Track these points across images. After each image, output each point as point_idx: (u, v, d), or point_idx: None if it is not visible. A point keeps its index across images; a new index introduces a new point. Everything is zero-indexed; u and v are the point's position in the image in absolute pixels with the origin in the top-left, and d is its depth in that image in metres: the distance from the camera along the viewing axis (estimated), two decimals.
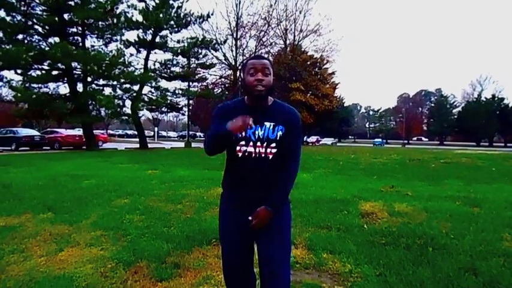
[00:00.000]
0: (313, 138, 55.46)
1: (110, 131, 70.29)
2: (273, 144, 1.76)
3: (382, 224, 4.39)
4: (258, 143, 1.76)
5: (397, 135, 75.65)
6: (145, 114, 49.26)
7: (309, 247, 3.60)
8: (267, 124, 1.77)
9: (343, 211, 4.91)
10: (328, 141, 56.92)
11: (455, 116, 69.42)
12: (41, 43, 21.10)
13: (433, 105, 78.87)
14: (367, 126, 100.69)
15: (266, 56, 40.02)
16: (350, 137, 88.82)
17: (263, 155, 1.76)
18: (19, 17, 19.73)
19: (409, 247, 3.57)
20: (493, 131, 63.42)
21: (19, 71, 20.22)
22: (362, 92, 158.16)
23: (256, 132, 1.76)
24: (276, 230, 1.81)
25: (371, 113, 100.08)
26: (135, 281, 2.93)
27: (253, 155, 1.76)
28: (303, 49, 43.11)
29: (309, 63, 43.48)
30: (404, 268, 3.08)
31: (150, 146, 27.15)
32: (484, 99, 65.58)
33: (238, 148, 1.77)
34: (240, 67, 31.00)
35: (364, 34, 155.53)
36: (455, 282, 2.80)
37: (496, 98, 63.75)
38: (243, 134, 1.74)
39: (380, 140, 62.94)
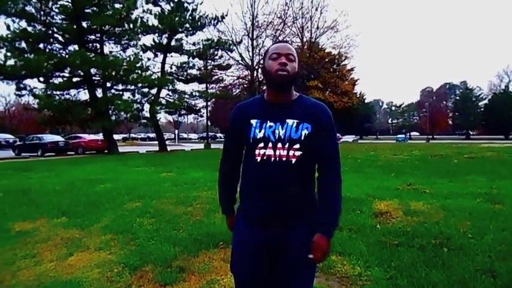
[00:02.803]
0: None
1: (132, 135, 71.82)
2: (297, 146, 1.46)
3: (397, 223, 4.22)
4: (279, 144, 1.47)
5: (421, 130, 73.66)
6: (164, 117, 50.19)
7: None
8: (289, 121, 1.49)
9: (355, 211, 4.77)
10: (349, 138, 56.07)
11: (482, 109, 67.15)
12: (61, 51, 21.73)
13: (458, 98, 76.49)
14: (389, 122, 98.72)
15: None
16: (373, 134, 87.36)
17: (284, 159, 1.46)
18: (39, 27, 20.34)
19: (424, 248, 3.40)
20: None
21: (41, 79, 20.89)
22: (384, 87, 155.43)
23: (277, 132, 1.48)
24: (302, 260, 1.50)
25: (393, 108, 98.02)
26: (140, 286, 2.92)
27: (273, 158, 1.47)
28: (320, 46, 42.69)
29: (326, 60, 43.08)
30: (417, 270, 2.93)
31: (170, 148, 27.47)
32: None
33: (257, 152, 1.49)
34: (257, 67, 31.07)
35: (384, 28, 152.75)
36: (470, 285, 2.64)
37: None
38: (262, 133, 1.49)
39: (403, 135, 61.46)
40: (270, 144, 1.48)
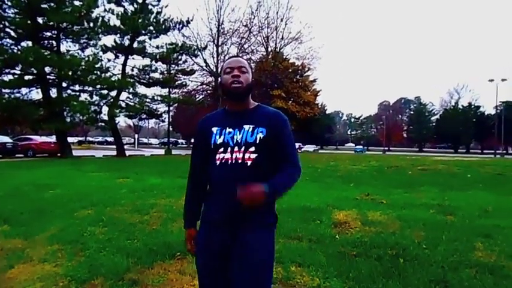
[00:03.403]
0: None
1: (89, 138, 68.93)
2: (252, 149, 1.54)
3: (355, 234, 4.27)
4: (236, 148, 1.55)
5: (378, 142, 76.74)
6: (124, 120, 48.62)
7: (278, 260, 3.42)
8: (246, 127, 1.59)
9: (315, 220, 4.78)
10: (310, 148, 57.14)
11: (434, 124, 71.20)
12: (12, 47, 20.32)
13: (412, 112, 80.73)
14: (349, 133, 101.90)
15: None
16: (333, 144, 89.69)
17: (240, 161, 1.53)
18: None
19: (381, 258, 3.45)
20: (470, 138, 65.27)
21: None
22: (344, 99, 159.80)
23: (235, 137, 1.58)
24: (254, 265, 1.52)
25: (352, 120, 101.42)
26: None
27: (230, 161, 1.54)
28: (284, 56, 43.45)
29: (290, 70, 43.92)
30: (375, 281, 2.95)
31: (129, 153, 26.57)
32: (461, 107, 67.62)
33: (217, 156, 1.58)
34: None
35: (346, 42, 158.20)
36: None
37: (473, 106, 65.90)
38: (221, 139, 1.59)
39: (361, 147, 63.66)
40: (229, 149, 1.57)
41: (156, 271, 3.21)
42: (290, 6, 42.80)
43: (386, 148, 64.13)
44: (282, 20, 41.02)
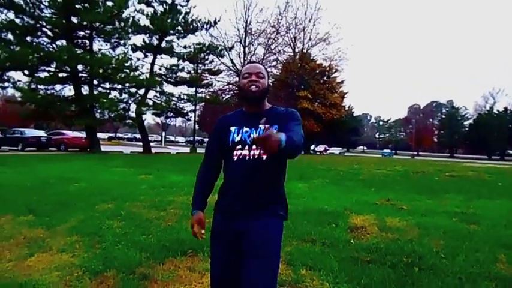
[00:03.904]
0: (321, 147, 54.95)
1: (119, 134, 70.85)
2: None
3: (371, 239, 4.16)
4: (253, 146, 1.71)
5: (407, 146, 74.63)
6: (153, 118, 49.67)
7: (289, 262, 3.39)
8: (262, 126, 1.74)
9: (331, 224, 4.69)
10: (336, 150, 56.39)
11: (467, 128, 68.50)
12: (48, 45, 21.23)
13: (444, 117, 77.91)
14: (376, 136, 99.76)
15: (274, 63, 40.15)
16: (360, 147, 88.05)
17: (257, 157, 1.71)
18: (27, 19, 19.87)
19: (395, 266, 3.34)
20: (505, 144, 62.26)
21: (26, 72, 20.43)
22: (372, 102, 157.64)
23: (251, 135, 1.73)
24: (264, 251, 1.67)
25: (381, 123, 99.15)
26: None
27: (247, 157, 1.71)
28: (311, 57, 42.91)
29: (317, 71, 43.30)
30: None
31: (156, 150, 27.11)
32: (497, 112, 64.75)
33: (235, 153, 1.75)
34: None
35: (376, 44, 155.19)
36: None
37: (509, 111, 62.93)
38: (239, 137, 1.75)
39: (389, 150, 62.10)
40: (246, 146, 1.73)
41: (167, 267, 3.25)
42: (318, 6, 41.92)
43: (415, 153, 62.29)
44: (310, 21, 40.59)
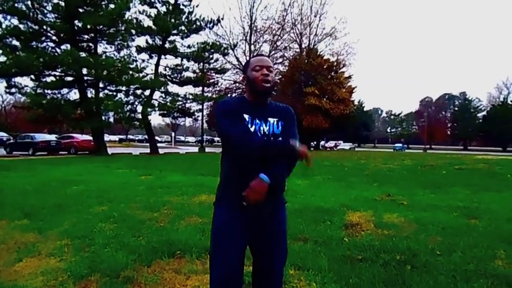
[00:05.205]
0: (331, 143, 54.44)
1: (130, 136, 71.58)
2: (280, 138, 1.82)
3: (365, 236, 4.04)
4: (265, 138, 1.80)
5: (420, 140, 73.50)
6: (162, 119, 49.88)
7: None
8: (271, 120, 1.84)
9: (326, 222, 4.59)
10: (346, 146, 55.77)
11: (481, 120, 67.10)
12: (53, 50, 21.41)
13: (456, 109, 76.42)
14: (388, 130, 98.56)
15: (281, 60, 39.94)
16: (371, 142, 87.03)
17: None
18: (31, 25, 20.06)
19: (387, 264, 3.23)
20: None
21: (32, 77, 20.69)
22: (383, 96, 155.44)
23: (262, 128, 1.80)
24: (277, 238, 1.86)
25: (392, 117, 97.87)
26: None
27: None
28: (318, 53, 42.55)
29: (324, 67, 42.85)
30: None
31: (165, 151, 27.23)
32: (511, 103, 63.11)
33: None
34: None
35: (385, 37, 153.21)
36: None
37: None
38: (253, 128, 1.80)
39: (401, 145, 61.22)
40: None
41: (153, 269, 3.20)
42: (324, 1, 41.65)
43: (428, 146, 61.29)
44: (315, 16, 40.36)
